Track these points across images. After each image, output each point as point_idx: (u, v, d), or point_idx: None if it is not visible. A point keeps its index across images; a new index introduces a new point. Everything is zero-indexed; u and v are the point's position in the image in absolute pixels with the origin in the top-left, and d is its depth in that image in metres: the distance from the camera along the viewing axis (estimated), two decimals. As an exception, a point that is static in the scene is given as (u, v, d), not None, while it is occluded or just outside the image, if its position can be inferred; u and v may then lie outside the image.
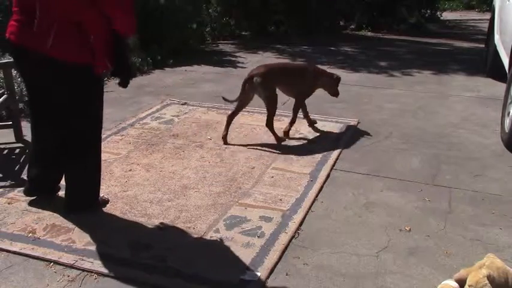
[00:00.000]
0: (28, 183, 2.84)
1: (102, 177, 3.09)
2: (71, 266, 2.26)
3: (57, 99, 2.52)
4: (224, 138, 3.75)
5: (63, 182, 2.77)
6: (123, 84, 2.65)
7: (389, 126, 4.21)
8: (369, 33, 9.97)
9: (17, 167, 3.34)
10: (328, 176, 3.23)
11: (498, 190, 3.07)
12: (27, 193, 2.84)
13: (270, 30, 9.84)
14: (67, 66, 2.37)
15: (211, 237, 2.51)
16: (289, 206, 2.82)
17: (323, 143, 3.79)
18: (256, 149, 3.67)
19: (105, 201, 2.84)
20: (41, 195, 2.83)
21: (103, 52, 2.44)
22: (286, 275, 2.23)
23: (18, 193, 2.94)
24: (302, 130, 4.06)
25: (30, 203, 2.80)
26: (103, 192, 2.90)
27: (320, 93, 5.24)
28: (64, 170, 2.73)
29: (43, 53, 2.32)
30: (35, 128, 2.72)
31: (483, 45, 7.19)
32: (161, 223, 2.65)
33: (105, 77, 2.51)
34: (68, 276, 2.20)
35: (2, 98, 3.62)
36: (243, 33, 9.57)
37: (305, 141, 3.82)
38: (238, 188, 3.05)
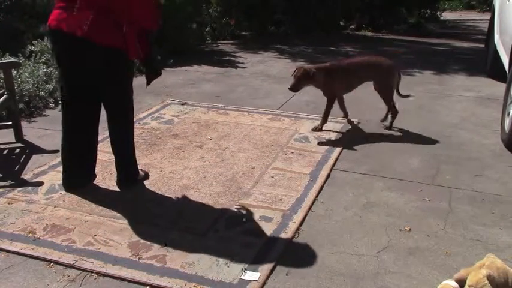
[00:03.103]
0: (65, 177, 2.98)
1: (102, 177, 3.11)
2: (71, 266, 2.26)
3: (93, 78, 2.76)
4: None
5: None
6: (148, 77, 2.98)
7: (389, 126, 4.21)
8: (369, 33, 9.98)
9: (17, 167, 3.34)
10: (328, 176, 3.23)
11: (498, 190, 3.07)
12: (66, 187, 2.98)
13: (270, 30, 9.85)
14: (101, 48, 2.61)
15: (211, 237, 2.51)
16: (289, 206, 2.82)
17: (323, 143, 3.79)
18: (256, 149, 3.67)
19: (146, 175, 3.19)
20: (81, 186, 2.99)
21: (135, 41, 2.71)
22: (286, 275, 2.23)
23: (18, 193, 2.95)
24: (302, 130, 4.06)
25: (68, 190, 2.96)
26: (102, 192, 2.91)
27: (320, 93, 5.25)
28: (113, 144, 2.99)
29: (79, 35, 2.56)
30: (67, 113, 2.88)
31: (483, 45, 7.19)
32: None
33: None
34: (68, 276, 2.20)
35: (2, 98, 3.62)
36: (243, 33, 9.58)
37: (305, 141, 3.82)
38: (238, 188, 3.05)
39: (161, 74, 3.07)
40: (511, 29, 4.58)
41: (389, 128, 4.16)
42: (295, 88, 3.92)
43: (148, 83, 3.00)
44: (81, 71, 2.74)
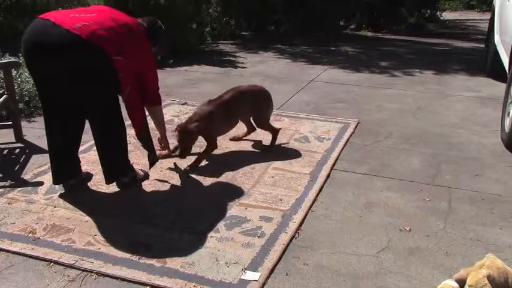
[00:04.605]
0: (54, 174, 2.94)
1: (102, 176, 3.09)
2: (71, 266, 2.26)
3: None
4: None
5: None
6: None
7: (389, 126, 4.21)
8: (369, 33, 9.99)
9: (17, 167, 3.34)
10: (328, 176, 3.23)
11: (498, 190, 3.07)
12: (55, 182, 2.95)
13: (270, 30, 9.85)
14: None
15: (211, 237, 2.51)
16: (289, 206, 2.82)
17: (323, 143, 3.79)
18: (257, 149, 3.67)
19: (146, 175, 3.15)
20: (71, 180, 2.98)
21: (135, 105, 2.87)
22: (286, 275, 2.23)
23: (18, 193, 2.95)
24: (302, 130, 4.06)
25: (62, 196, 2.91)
26: (102, 192, 2.90)
27: (320, 93, 5.26)
28: (97, 146, 2.90)
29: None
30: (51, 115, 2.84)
31: (483, 45, 7.19)
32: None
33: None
34: (68, 276, 2.20)
35: (2, 98, 3.62)
36: (243, 33, 9.58)
37: (305, 141, 3.82)
38: (238, 188, 3.05)
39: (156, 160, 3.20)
40: (511, 29, 4.58)
41: (271, 149, 3.63)
42: (183, 155, 3.32)
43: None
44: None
